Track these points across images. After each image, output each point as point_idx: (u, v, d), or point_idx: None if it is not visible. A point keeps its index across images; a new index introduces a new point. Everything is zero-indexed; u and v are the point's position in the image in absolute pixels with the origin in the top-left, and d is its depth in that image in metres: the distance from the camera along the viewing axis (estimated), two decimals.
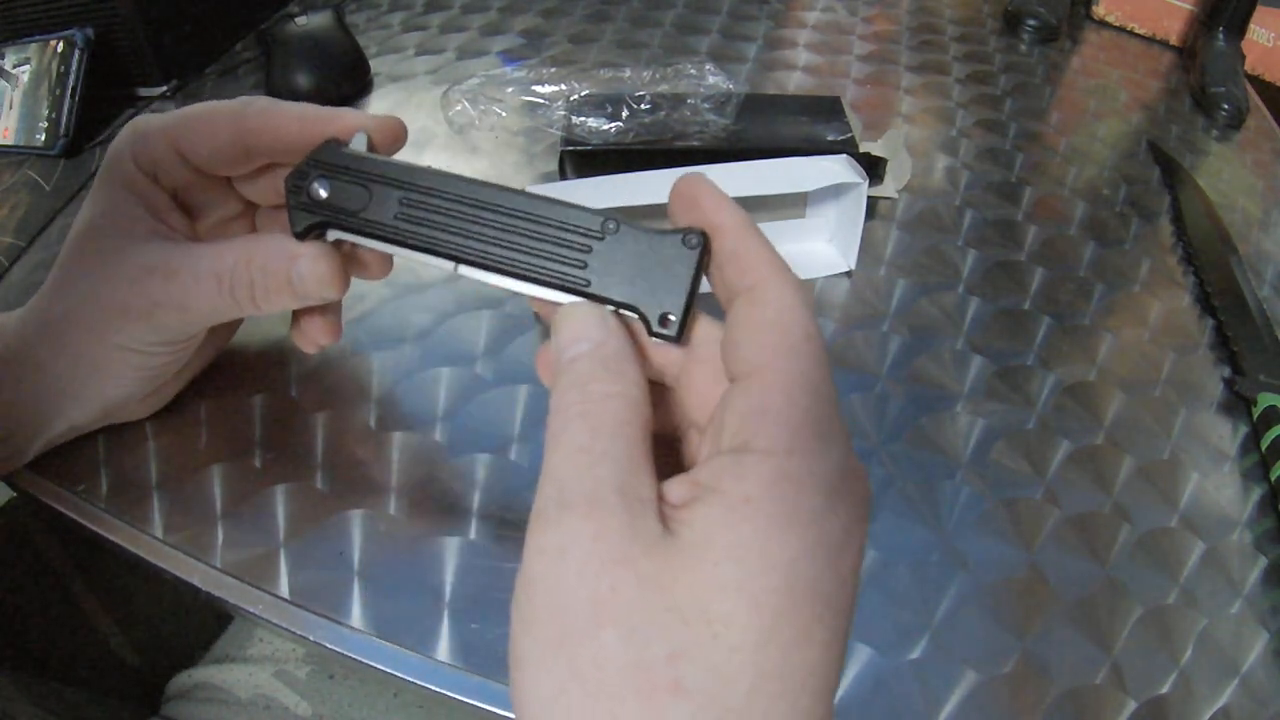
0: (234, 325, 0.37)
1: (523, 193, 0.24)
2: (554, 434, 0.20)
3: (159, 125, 0.29)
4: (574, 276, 0.24)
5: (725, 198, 0.23)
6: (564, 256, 0.24)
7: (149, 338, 0.30)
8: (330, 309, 0.32)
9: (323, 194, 0.26)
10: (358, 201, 0.26)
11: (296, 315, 0.32)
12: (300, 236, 0.28)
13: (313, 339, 0.33)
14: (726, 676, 0.17)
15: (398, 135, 0.29)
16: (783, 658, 0.17)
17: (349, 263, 0.30)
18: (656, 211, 0.43)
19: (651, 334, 0.23)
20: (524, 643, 0.19)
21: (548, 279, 0.24)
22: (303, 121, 0.28)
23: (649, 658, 0.17)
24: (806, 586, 0.18)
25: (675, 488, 0.20)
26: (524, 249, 0.24)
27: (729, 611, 0.17)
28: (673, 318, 0.23)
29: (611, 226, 0.24)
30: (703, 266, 0.23)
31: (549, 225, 0.24)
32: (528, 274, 0.24)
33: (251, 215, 0.34)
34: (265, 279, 0.28)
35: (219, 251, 0.29)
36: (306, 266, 0.28)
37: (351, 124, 0.28)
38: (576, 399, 0.21)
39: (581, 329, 0.22)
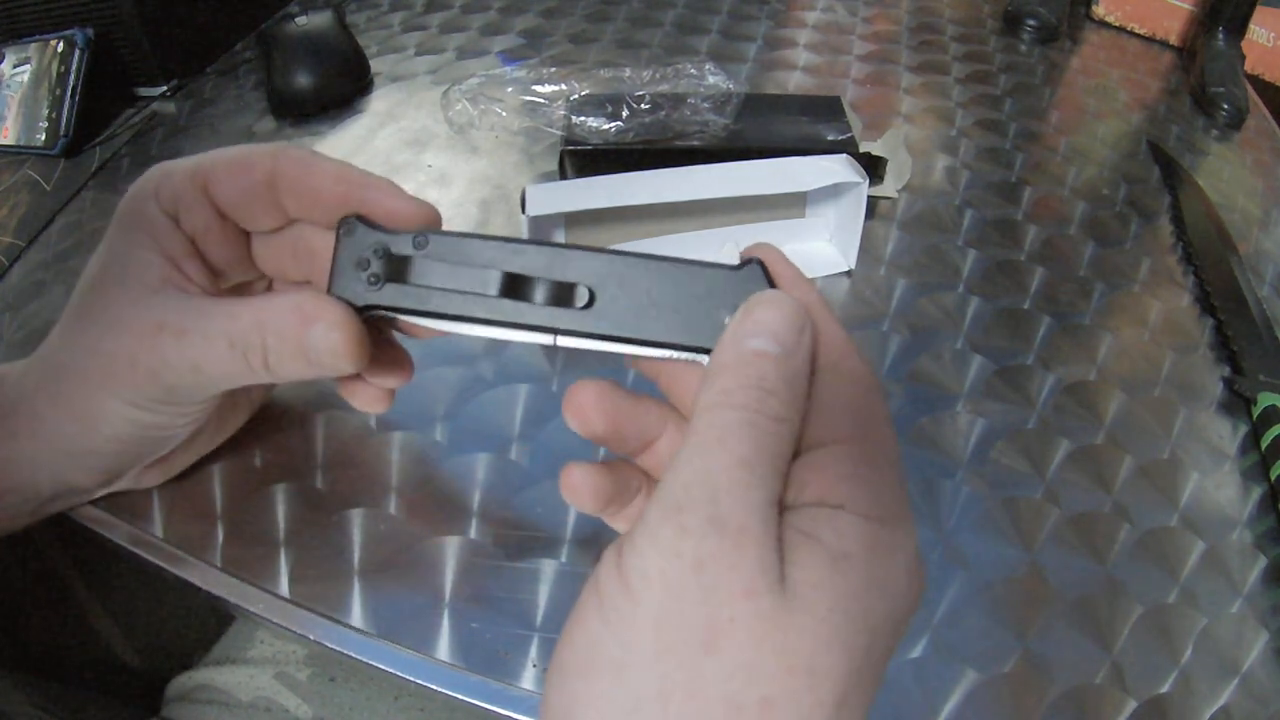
0: (253, 405, 0.35)
1: (607, 251, 0.23)
2: (716, 427, 0.19)
3: (188, 164, 0.27)
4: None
5: (799, 273, 0.23)
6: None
7: (155, 396, 0.27)
8: (384, 373, 0.30)
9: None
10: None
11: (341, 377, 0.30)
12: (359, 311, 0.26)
13: (363, 402, 0.30)
14: None
15: (432, 224, 0.27)
16: (847, 717, 0.18)
17: (388, 325, 0.28)
18: (654, 212, 0.43)
19: None
20: (607, 647, 0.18)
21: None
22: (339, 182, 0.26)
23: (745, 699, 0.17)
24: (878, 653, 0.19)
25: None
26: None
27: (829, 667, 0.17)
28: None
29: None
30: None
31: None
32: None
33: (269, 284, 0.32)
34: (279, 344, 0.26)
35: (233, 311, 0.26)
36: (320, 336, 0.25)
37: (385, 199, 0.26)
38: (753, 402, 0.19)
39: (777, 324, 0.21)
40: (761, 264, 0.23)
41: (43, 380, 0.28)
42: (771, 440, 0.19)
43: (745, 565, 0.18)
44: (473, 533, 0.33)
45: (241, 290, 0.31)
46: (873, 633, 0.18)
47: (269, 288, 0.32)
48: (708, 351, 0.23)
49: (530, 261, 0.24)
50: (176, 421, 0.29)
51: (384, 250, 0.25)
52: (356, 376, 0.29)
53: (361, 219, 0.25)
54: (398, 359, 0.30)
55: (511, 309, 0.24)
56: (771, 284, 0.22)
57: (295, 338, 0.26)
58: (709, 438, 0.19)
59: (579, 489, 0.23)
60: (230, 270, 0.30)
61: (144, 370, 0.26)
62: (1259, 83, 0.70)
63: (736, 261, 0.23)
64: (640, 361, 0.24)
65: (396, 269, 0.25)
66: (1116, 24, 0.73)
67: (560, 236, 0.43)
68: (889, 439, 0.21)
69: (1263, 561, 0.35)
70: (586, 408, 0.23)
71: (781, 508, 0.20)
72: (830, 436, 0.21)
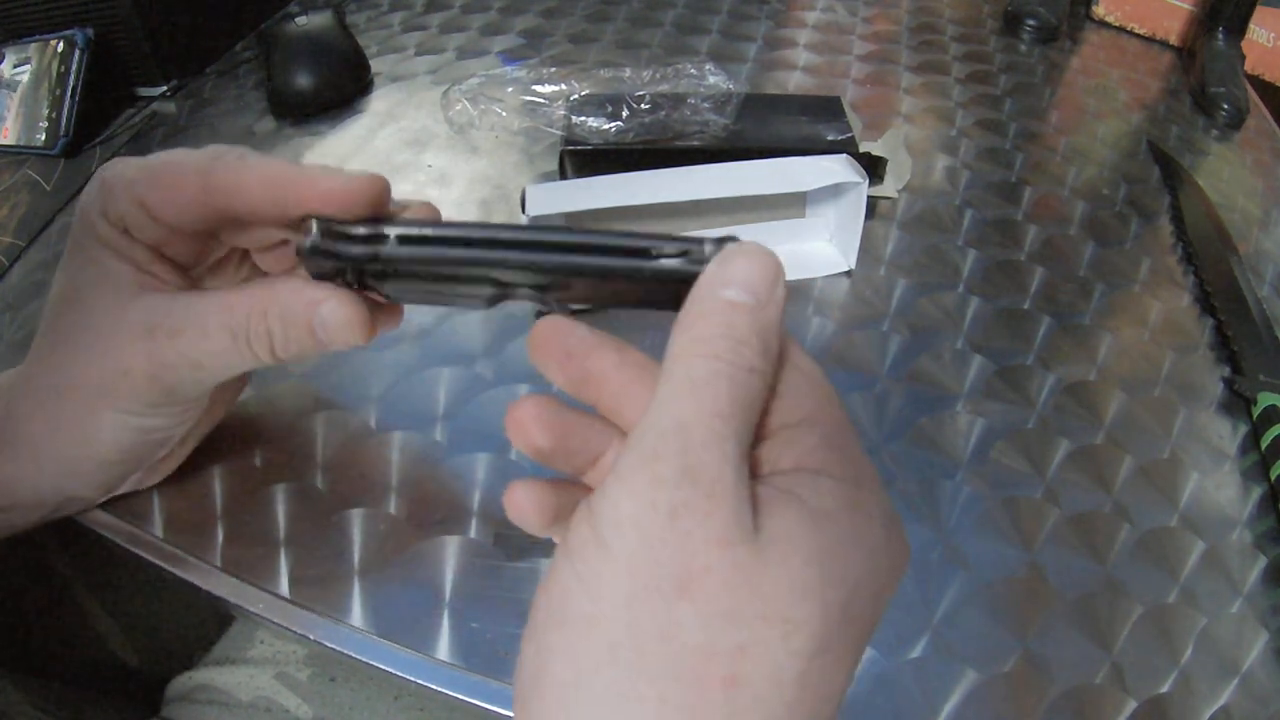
0: (240, 385, 0.35)
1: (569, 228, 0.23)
2: (692, 380, 0.19)
3: (124, 179, 0.26)
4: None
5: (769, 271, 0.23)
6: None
7: (154, 400, 0.27)
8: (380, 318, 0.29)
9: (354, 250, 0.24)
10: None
11: None
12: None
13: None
14: (779, 680, 0.17)
15: (375, 198, 0.25)
16: (826, 670, 0.18)
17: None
18: (654, 212, 0.43)
19: None
20: (577, 600, 0.18)
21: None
22: (268, 185, 0.25)
23: (719, 645, 0.17)
24: (858, 609, 0.19)
25: (753, 487, 0.20)
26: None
27: (804, 616, 0.18)
28: None
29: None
30: None
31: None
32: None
33: (246, 252, 0.31)
34: (286, 329, 0.26)
35: (228, 303, 0.26)
36: (331, 312, 0.26)
37: (326, 190, 0.24)
38: (726, 351, 0.19)
39: (753, 275, 0.20)
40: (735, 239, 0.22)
41: (34, 407, 0.28)
42: (744, 391, 0.19)
43: (720, 515, 0.18)
44: (473, 532, 0.33)
45: (217, 274, 0.30)
46: (853, 587, 0.18)
47: (244, 258, 0.31)
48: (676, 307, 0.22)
49: (497, 268, 0.23)
50: (174, 422, 0.29)
51: (349, 261, 0.24)
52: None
53: (318, 221, 0.24)
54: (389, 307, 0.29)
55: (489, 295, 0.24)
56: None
57: (304, 319, 0.26)
58: (682, 386, 0.19)
59: (523, 505, 0.22)
60: (200, 260, 0.29)
61: (140, 376, 0.26)
62: (1259, 83, 0.70)
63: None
64: (588, 376, 0.23)
65: (369, 274, 0.24)
66: (1116, 24, 0.73)
67: None
68: (845, 418, 0.22)
69: (1263, 561, 0.35)
70: (528, 422, 0.22)
71: (756, 473, 0.20)
72: (796, 418, 0.21)
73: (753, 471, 0.20)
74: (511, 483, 0.22)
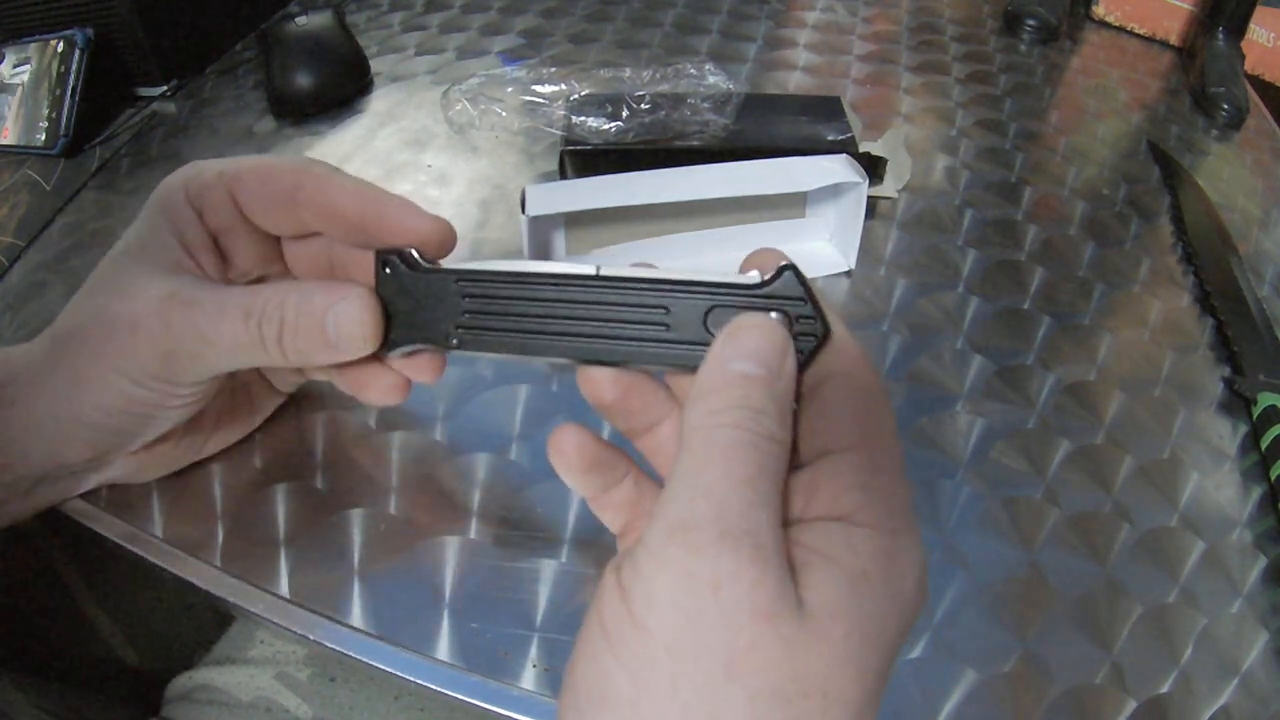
0: (264, 404, 0.36)
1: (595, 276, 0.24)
2: (717, 446, 0.19)
3: (218, 166, 0.28)
4: (675, 344, 0.23)
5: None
6: (654, 331, 0.23)
7: (151, 368, 0.27)
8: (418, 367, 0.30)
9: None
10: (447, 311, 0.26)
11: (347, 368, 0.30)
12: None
13: (379, 393, 0.30)
14: None
15: (447, 244, 0.27)
16: None
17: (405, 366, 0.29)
18: (654, 212, 0.43)
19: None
20: (618, 680, 0.17)
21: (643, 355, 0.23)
22: (357, 200, 0.27)
23: None
24: (889, 668, 0.19)
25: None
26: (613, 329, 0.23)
27: (843, 689, 0.17)
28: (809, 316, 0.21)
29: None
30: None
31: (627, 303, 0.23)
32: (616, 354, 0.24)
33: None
34: (298, 319, 0.26)
35: (253, 288, 0.27)
36: (344, 311, 0.26)
37: (403, 218, 0.27)
38: (747, 420, 0.19)
39: (762, 347, 0.20)
40: (794, 270, 0.22)
41: (47, 346, 0.28)
42: (770, 460, 0.19)
43: (768, 583, 0.17)
44: (473, 533, 0.33)
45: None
46: (886, 650, 0.18)
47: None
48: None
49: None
50: (166, 401, 0.29)
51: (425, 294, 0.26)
52: (376, 361, 0.29)
53: (399, 255, 0.26)
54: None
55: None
56: (806, 288, 0.22)
57: (318, 313, 0.26)
58: (707, 456, 0.19)
59: (565, 446, 0.23)
60: (252, 268, 0.31)
61: (144, 336, 0.26)
62: (1259, 83, 0.70)
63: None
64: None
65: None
66: (1116, 24, 0.73)
67: (560, 236, 0.43)
68: (895, 448, 0.21)
69: (1263, 561, 0.35)
70: (599, 377, 0.23)
71: (786, 522, 0.20)
72: (838, 445, 0.20)
73: (784, 516, 0.20)
74: (559, 426, 0.23)
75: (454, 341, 0.26)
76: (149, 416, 0.29)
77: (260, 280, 0.32)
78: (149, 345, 0.26)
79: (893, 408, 0.22)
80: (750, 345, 0.20)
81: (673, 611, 0.17)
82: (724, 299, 0.22)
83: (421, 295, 0.26)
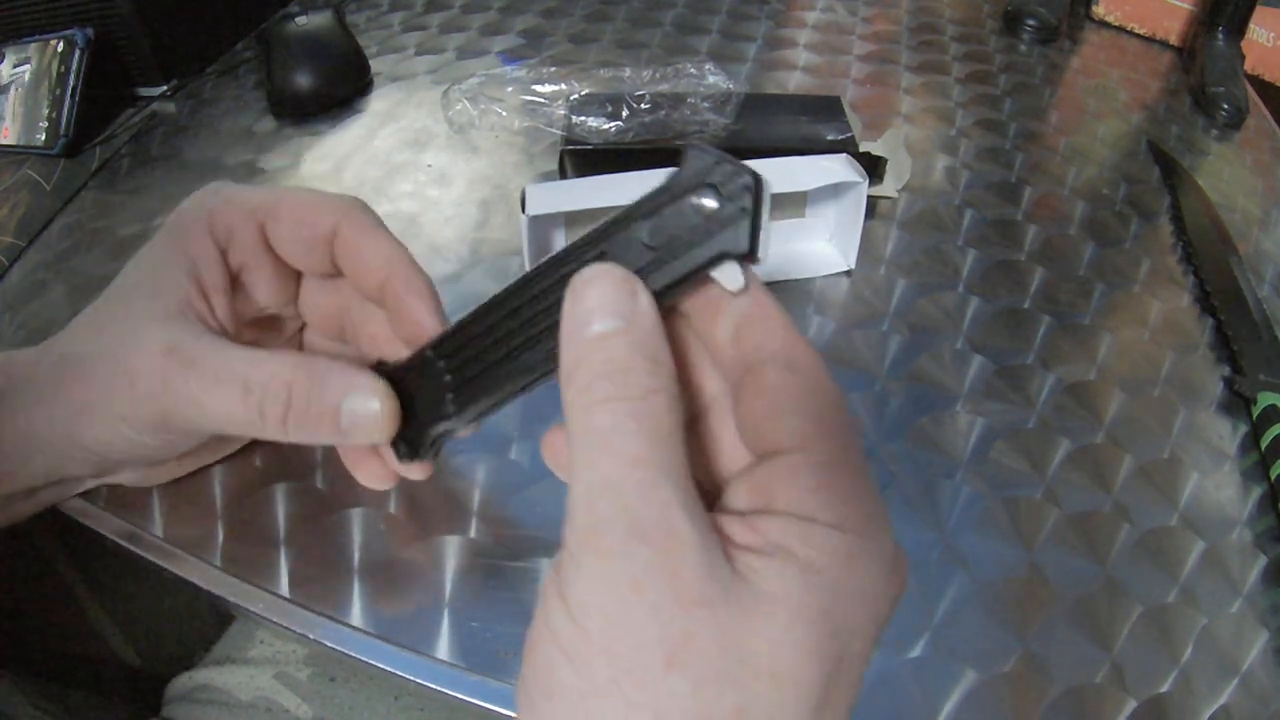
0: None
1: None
2: (597, 433, 0.18)
3: (250, 199, 0.27)
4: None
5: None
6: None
7: (149, 420, 0.26)
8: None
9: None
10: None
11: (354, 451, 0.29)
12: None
13: (369, 477, 0.29)
14: None
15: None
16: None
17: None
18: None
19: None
20: (564, 674, 0.17)
21: None
22: (388, 263, 0.26)
23: (717, 711, 0.16)
24: (857, 658, 0.18)
25: (734, 527, 0.18)
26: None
27: (797, 671, 0.17)
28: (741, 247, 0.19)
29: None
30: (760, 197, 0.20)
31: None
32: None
33: (299, 338, 0.32)
34: (308, 405, 0.25)
35: (256, 357, 0.25)
36: (362, 403, 0.24)
37: (416, 310, 0.26)
38: (615, 392, 0.18)
39: (607, 299, 0.19)
40: (698, 146, 0.20)
41: (55, 368, 0.28)
42: (653, 421, 0.18)
43: (687, 572, 0.17)
44: (473, 532, 0.33)
45: (265, 326, 0.31)
46: (846, 638, 0.18)
47: (296, 334, 0.32)
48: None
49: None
50: (167, 449, 0.29)
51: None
52: (372, 451, 0.29)
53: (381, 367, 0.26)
54: None
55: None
56: (716, 151, 0.20)
57: (330, 400, 0.25)
58: (591, 443, 0.18)
59: (559, 448, 0.22)
60: (269, 305, 0.30)
61: (143, 391, 0.26)
62: (1259, 83, 0.70)
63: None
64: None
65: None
66: (1116, 24, 0.73)
67: (560, 236, 0.43)
68: (849, 435, 0.20)
69: (1263, 561, 0.35)
70: None
71: (743, 509, 0.19)
72: (790, 443, 0.19)
73: (739, 508, 0.19)
74: (555, 425, 0.22)
75: (450, 410, 0.24)
76: (148, 456, 0.30)
77: (273, 319, 0.31)
78: (148, 401, 0.26)
79: (842, 393, 0.20)
80: (594, 300, 0.19)
81: (601, 616, 0.17)
82: (645, 210, 0.21)
83: (410, 383, 0.25)
